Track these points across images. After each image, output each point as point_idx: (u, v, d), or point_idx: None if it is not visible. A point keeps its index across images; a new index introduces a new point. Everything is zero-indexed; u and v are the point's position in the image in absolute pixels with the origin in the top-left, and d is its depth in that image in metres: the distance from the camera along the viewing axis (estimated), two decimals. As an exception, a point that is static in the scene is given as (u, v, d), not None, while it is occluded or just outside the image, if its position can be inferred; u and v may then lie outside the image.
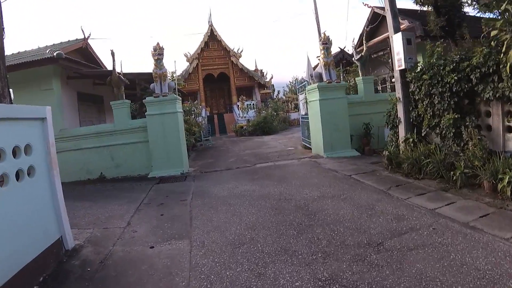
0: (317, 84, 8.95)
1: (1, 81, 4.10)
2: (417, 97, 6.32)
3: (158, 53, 8.53)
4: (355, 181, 6.13)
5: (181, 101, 9.73)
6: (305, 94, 10.16)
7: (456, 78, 5.25)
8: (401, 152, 6.48)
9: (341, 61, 14.22)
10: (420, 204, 4.50)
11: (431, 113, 5.96)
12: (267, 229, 4.07)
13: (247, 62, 38.28)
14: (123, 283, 3.04)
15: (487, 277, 2.63)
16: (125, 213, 5.21)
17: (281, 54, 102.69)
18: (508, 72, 4.35)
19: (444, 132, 5.62)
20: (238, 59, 28.17)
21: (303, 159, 9.07)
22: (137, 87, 11.52)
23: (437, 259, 2.97)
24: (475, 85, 5.07)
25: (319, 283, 2.76)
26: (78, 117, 10.49)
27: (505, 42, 4.35)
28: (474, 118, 5.24)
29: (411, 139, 6.33)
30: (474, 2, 7.42)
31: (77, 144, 8.63)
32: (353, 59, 10.26)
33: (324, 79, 8.98)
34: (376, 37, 13.39)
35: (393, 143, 7.02)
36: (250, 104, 25.91)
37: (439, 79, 5.60)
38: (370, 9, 13.63)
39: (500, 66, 4.53)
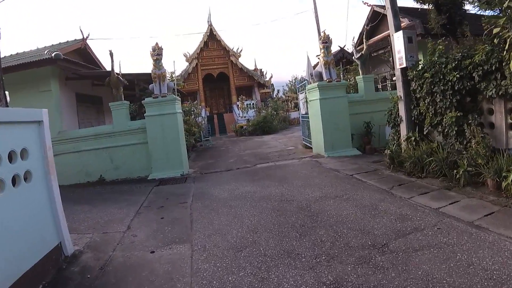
0: (317, 83, 8.89)
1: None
2: (418, 96, 6.27)
3: (157, 53, 8.46)
4: (357, 180, 6.07)
5: (180, 102, 9.66)
6: (305, 93, 10.10)
7: (458, 76, 5.19)
8: (403, 151, 6.43)
9: (341, 60, 14.16)
10: (424, 203, 4.45)
11: (433, 111, 5.90)
12: (269, 232, 4.01)
13: (247, 61, 38.30)
14: (123, 290, 2.98)
15: (494, 277, 2.58)
16: (125, 217, 5.15)
17: (280, 53, 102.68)
18: (511, 69, 4.29)
19: (446, 130, 5.57)
20: (238, 59, 28.10)
21: (304, 158, 9.02)
22: (136, 87, 11.46)
23: (443, 260, 2.91)
24: (477, 83, 5.01)
25: (324, 287, 2.70)
26: (77, 119, 10.42)
27: (508, 40, 4.29)
28: (476, 116, 5.18)
29: (413, 138, 6.27)
30: (475, 0, 7.38)
31: (76, 146, 8.57)
32: (353, 57, 10.20)
33: (324, 78, 8.92)
34: (376, 36, 13.34)
35: (395, 141, 6.97)
36: (250, 104, 25.86)
37: (441, 77, 5.54)
38: (370, 7, 13.57)
39: (503, 64, 4.48)
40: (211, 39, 27.73)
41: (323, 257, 3.20)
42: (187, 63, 27.62)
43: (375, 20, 12.91)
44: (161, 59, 8.56)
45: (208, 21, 27.69)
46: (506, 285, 2.47)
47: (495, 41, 4.59)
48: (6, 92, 3.59)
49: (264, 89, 29.94)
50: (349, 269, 2.94)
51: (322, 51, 9.08)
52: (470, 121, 5.18)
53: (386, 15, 7.58)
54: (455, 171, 5.01)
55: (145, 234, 4.36)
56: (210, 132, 21.26)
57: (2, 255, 2.65)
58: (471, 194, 4.58)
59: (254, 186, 6.44)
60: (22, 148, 3.18)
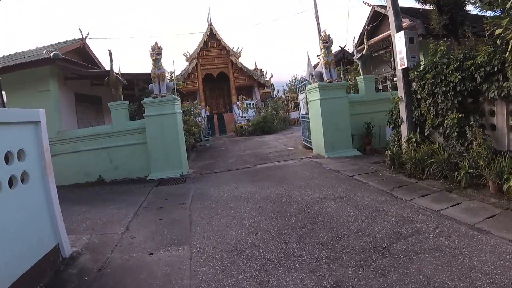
0: (317, 83, 8.86)
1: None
2: (419, 96, 6.23)
3: (156, 53, 8.42)
4: (357, 182, 6.04)
5: (180, 102, 9.62)
6: (306, 93, 10.07)
7: (460, 77, 5.15)
8: (403, 152, 6.39)
9: (342, 60, 14.14)
10: (425, 205, 4.41)
11: (434, 113, 5.87)
12: (269, 233, 3.97)
13: (247, 61, 38.20)
14: (121, 293, 2.94)
15: (496, 281, 2.55)
16: (124, 218, 5.11)
17: (280, 53, 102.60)
18: (513, 70, 4.26)
19: (447, 131, 5.53)
20: (238, 59, 28.07)
21: (304, 159, 8.98)
22: (135, 87, 11.42)
23: (445, 263, 2.88)
24: (479, 84, 4.97)
25: (324, 291, 2.67)
26: (76, 119, 10.37)
27: (511, 41, 4.26)
28: (478, 118, 5.15)
29: (414, 139, 6.24)
30: (477, 0, 7.33)
31: (74, 146, 8.53)
32: (353, 58, 10.16)
33: (325, 78, 8.89)
34: (377, 36, 13.32)
35: (396, 142, 6.94)
36: (250, 104, 25.83)
37: (443, 78, 5.50)
38: (370, 7, 13.54)
39: (506, 65, 4.44)
40: (211, 38, 27.69)
41: (324, 260, 3.17)
42: (187, 63, 27.58)
43: (376, 20, 12.88)
44: (161, 58, 8.52)
45: (208, 21, 27.65)
46: (508, 289, 2.44)
47: (498, 42, 4.56)
48: (3, 92, 3.54)
49: (264, 89, 29.91)
50: (350, 272, 2.90)
51: (323, 51, 9.05)
52: (471, 123, 5.14)
53: (386, 15, 7.55)
54: (456, 173, 4.98)
55: (143, 235, 4.32)
56: (210, 132, 21.22)
57: (-1, 258, 2.61)
58: (472, 196, 4.55)
59: (254, 187, 6.40)
60: (19, 149, 3.14)
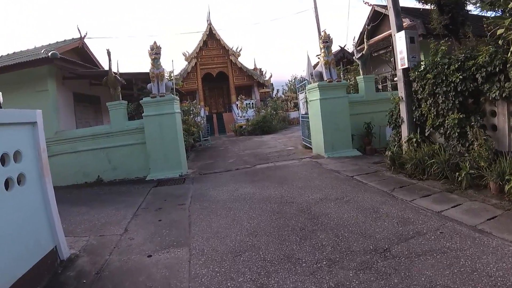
0: (317, 83, 8.82)
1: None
2: (420, 97, 6.20)
3: (155, 52, 8.37)
4: (357, 182, 6.00)
5: (179, 101, 9.58)
6: (305, 93, 10.03)
7: (461, 77, 5.12)
8: (404, 152, 6.36)
9: (342, 59, 14.11)
10: (426, 206, 4.38)
11: (435, 113, 5.84)
12: (268, 235, 3.94)
13: (246, 61, 38.14)
14: (119, 296, 2.91)
15: (499, 284, 2.52)
16: (122, 219, 5.07)
17: (280, 53, 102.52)
18: (515, 71, 4.23)
19: (448, 132, 5.50)
20: (237, 58, 28.00)
21: (303, 159, 8.95)
22: (134, 87, 11.36)
23: (447, 266, 2.85)
24: (480, 84, 4.95)
25: (325, 294, 2.63)
26: (74, 119, 10.33)
27: (513, 41, 4.24)
28: (479, 118, 5.12)
29: (414, 139, 6.21)
30: (478, 0, 7.30)
31: (73, 146, 8.48)
32: (353, 57, 10.12)
33: (325, 78, 8.85)
34: (377, 35, 13.29)
35: (396, 143, 6.91)
36: (249, 103, 25.79)
37: (444, 78, 5.48)
38: (370, 7, 13.51)
39: (507, 66, 4.41)
40: (211, 38, 27.61)
41: (324, 262, 3.14)
42: (186, 62, 27.51)
43: (376, 20, 12.86)
44: (160, 58, 8.48)
45: (207, 20, 27.58)
46: (511, 292, 2.41)
47: (500, 42, 4.53)
48: (0, 93, 3.49)
49: (263, 88, 29.86)
50: (351, 274, 2.87)
51: (323, 50, 9.01)
52: (472, 123, 5.11)
53: (387, 15, 7.53)
54: (457, 173, 4.95)
55: (142, 237, 4.28)
56: (209, 131, 21.18)
57: (-6, 261, 2.57)
58: (473, 197, 4.52)
59: (253, 187, 6.37)
60: (16, 150, 3.10)
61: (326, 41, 8.97)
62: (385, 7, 8.99)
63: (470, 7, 8.35)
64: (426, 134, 6.15)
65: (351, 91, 10.51)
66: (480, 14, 9.28)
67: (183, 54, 27.32)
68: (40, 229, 3.38)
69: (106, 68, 8.85)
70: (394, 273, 2.81)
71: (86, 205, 6.09)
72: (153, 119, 8.32)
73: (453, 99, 5.36)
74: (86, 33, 11.63)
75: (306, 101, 10.03)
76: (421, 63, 6.33)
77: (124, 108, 8.72)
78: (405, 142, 6.48)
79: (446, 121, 5.50)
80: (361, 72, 9.58)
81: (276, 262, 3.24)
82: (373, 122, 8.97)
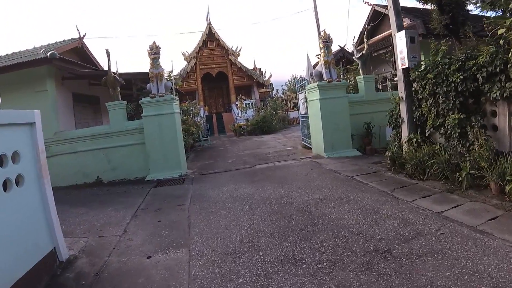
0: (317, 83, 8.81)
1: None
2: (420, 97, 6.18)
3: (154, 52, 8.35)
4: (357, 182, 5.99)
5: (178, 101, 9.55)
6: (305, 93, 10.01)
7: (461, 77, 5.10)
8: (404, 152, 6.34)
9: (341, 59, 14.09)
10: (426, 206, 4.37)
11: (435, 113, 5.82)
12: (268, 236, 3.92)
13: (246, 61, 38.17)
14: (118, 298, 2.89)
15: (500, 285, 2.51)
16: (122, 220, 5.05)
17: (280, 52, 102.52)
18: (516, 71, 4.22)
19: (449, 132, 5.49)
20: (237, 58, 27.96)
21: (303, 159, 8.93)
22: (134, 87, 11.34)
23: (448, 267, 2.83)
24: (481, 84, 4.93)
25: (326, 296, 2.61)
26: (74, 119, 10.30)
27: (514, 41, 4.22)
28: (480, 118, 5.10)
29: (414, 139, 6.19)
30: (478, 0, 7.28)
31: (72, 147, 8.46)
32: (353, 57, 10.10)
33: (325, 78, 8.83)
34: (377, 35, 13.28)
35: (396, 143, 6.89)
36: (249, 103, 25.76)
37: (444, 78, 5.46)
38: (370, 7, 13.50)
39: (508, 66, 4.39)
40: (210, 38, 27.57)
41: (325, 263, 3.12)
42: (186, 62, 27.47)
43: (376, 20, 12.84)
44: (159, 58, 8.45)
45: (207, 20, 27.53)
46: (512, 294, 2.40)
47: (500, 42, 4.51)
48: (-2, 93, 3.47)
49: (263, 88, 29.84)
50: (352, 276, 2.85)
51: (322, 50, 8.99)
52: (473, 123, 5.09)
53: (387, 14, 7.50)
54: (457, 173, 4.94)
55: (141, 238, 4.26)
56: (209, 131, 21.16)
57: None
58: (474, 197, 4.50)
59: (253, 187, 6.35)
60: (14, 151, 3.08)
61: (326, 40, 8.95)
62: (385, 6, 8.97)
63: (470, 7, 8.33)
64: (427, 134, 6.14)
65: (351, 91, 10.50)
66: (480, 14, 9.27)
67: (183, 54, 27.28)
68: (39, 230, 3.36)
69: (106, 68, 8.82)
70: (395, 275, 2.80)
71: (85, 206, 6.06)
72: (153, 119, 8.29)
73: (454, 99, 5.35)
74: (85, 33, 11.65)
75: (306, 101, 10.02)
76: (421, 63, 6.31)
77: (123, 108, 8.70)
78: (405, 142, 6.47)
79: (447, 121, 5.49)
80: (361, 72, 9.56)
81: (276, 263, 3.22)
82: (373, 122, 8.95)
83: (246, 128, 20.58)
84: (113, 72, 8.71)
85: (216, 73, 27.91)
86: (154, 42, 8.37)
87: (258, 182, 6.76)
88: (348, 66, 13.31)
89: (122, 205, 5.92)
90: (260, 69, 29.81)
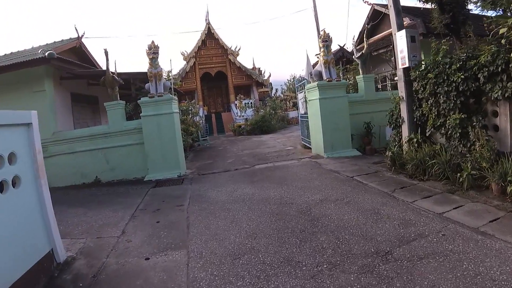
0: (317, 82, 8.77)
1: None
2: (421, 96, 6.15)
3: (153, 51, 8.30)
4: (357, 183, 5.95)
5: (177, 101, 9.51)
6: (305, 92, 9.98)
7: (463, 77, 5.07)
8: (404, 152, 6.31)
9: (341, 59, 14.07)
10: (427, 207, 4.33)
11: (436, 113, 5.79)
12: (268, 237, 3.88)
13: (245, 60, 38.12)
14: (116, 301, 2.85)
15: (503, 288, 2.47)
16: (120, 220, 5.01)
17: (279, 52, 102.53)
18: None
19: (450, 132, 5.45)
20: (236, 58, 27.89)
21: (303, 159, 8.89)
22: (132, 87, 11.29)
23: (450, 269, 2.80)
24: (482, 84, 4.89)
25: (326, 299, 2.58)
26: (72, 119, 10.24)
27: (516, 41, 4.19)
28: (481, 118, 5.07)
29: (415, 139, 6.16)
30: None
31: (71, 147, 8.40)
32: (353, 57, 10.07)
33: (324, 78, 8.80)
34: (377, 35, 13.24)
35: (396, 143, 6.85)
36: (248, 103, 25.70)
37: (445, 77, 5.43)
38: (370, 6, 13.47)
39: (510, 65, 4.36)
40: (209, 37, 27.49)
41: (325, 266, 3.08)
42: (185, 62, 27.40)
43: (376, 19, 12.81)
44: (157, 57, 8.40)
45: (206, 20, 27.45)
46: (515, 297, 2.37)
47: (502, 41, 4.48)
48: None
49: (262, 88, 29.79)
50: (352, 278, 2.82)
51: (322, 50, 8.96)
52: (474, 123, 5.06)
53: (386, 14, 7.47)
54: (458, 174, 4.91)
55: (140, 239, 4.22)
56: (208, 131, 21.11)
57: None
58: (475, 198, 4.47)
59: (252, 188, 6.31)
60: (10, 152, 3.04)
61: (326, 40, 8.91)
62: (385, 6, 8.95)
63: (470, 6, 8.28)
64: (427, 134, 6.10)
65: (351, 90, 10.46)
66: (480, 13, 9.24)
67: (182, 54, 27.21)
68: (36, 231, 3.33)
69: (104, 68, 8.77)
70: (396, 277, 2.76)
71: (83, 206, 6.02)
72: (151, 119, 8.25)
73: (455, 99, 5.31)
74: (84, 33, 11.59)
75: (306, 101, 9.98)
76: (422, 62, 6.27)
77: (122, 108, 8.65)
78: (405, 142, 6.43)
79: (448, 121, 5.45)
80: (360, 72, 9.53)
81: (275, 265, 3.19)
82: (373, 122, 8.92)
83: (245, 127, 20.54)
84: (112, 72, 8.66)
85: (215, 73, 27.84)
86: (152, 42, 8.32)
87: (257, 183, 6.72)
88: (348, 66, 13.27)
89: (121, 205, 5.88)
90: (259, 68, 29.76)
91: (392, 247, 3.33)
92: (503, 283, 2.54)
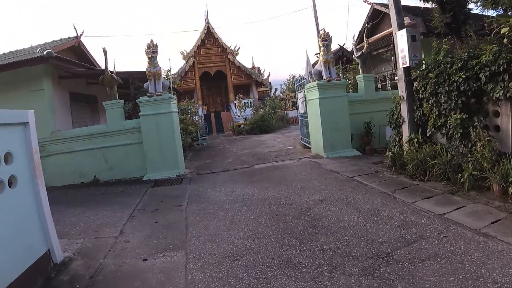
0: (316, 82, 8.73)
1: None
2: (421, 96, 6.11)
3: (151, 50, 8.25)
4: (358, 183, 5.91)
5: (176, 100, 9.45)
6: (304, 92, 9.94)
7: (464, 76, 5.03)
8: (405, 152, 6.27)
9: (341, 58, 14.04)
10: (428, 208, 4.29)
11: (436, 113, 5.74)
12: (267, 238, 3.84)
13: (244, 59, 38.03)
14: (113, 303, 2.81)
15: (505, 291, 2.43)
16: (118, 221, 4.96)
17: (279, 51, 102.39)
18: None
19: (451, 132, 5.41)
20: (235, 57, 27.85)
21: (302, 159, 8.85)
22: (131, 86, 11.23)
23: (452, 272, 2.76)
24: (484, 84, 4.86)
25: (327, 302, 2.54)
26: (71, 118, 10.18)
27: (518, 40, 4.15)
28: (482, 118, 5.03)
29: (415, 139, 6.11)
30: (480, -2, 7.22)
31: (69, 146, 8.35)
32: (353, 56, 10.03)
33: (324, 77, 8.76)
34: (376, 34, 13.21)
35: (396, 143, 6.81)
36: (248, 102, 25.66)
37: (446, 77, 5.39)
38: (370, 5, 13.44)
39: (512, 65, 4.33)
40: (208, 36, 27.44)
41: (325, 268, 3.04)
42: (184, 61, 27.35)
43: (376, 19, 12.78)
44: (156, 56, 8.36)
45: (205, 19, 27.39)
46: (518, 300, 2.33)
47: (504, 41, 4.44)
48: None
49: (261, 87, 29.73)
50: (353, 281, 2.78)
51: (322, 49, 8.91)
52: (475, 124, 5.01)
53: (386, 13, 7.44)
54: (459, 174, 4.87)
55: (138, 239, 4.18)
56: (207, 131, 21.08)
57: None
58: (476, 199, 4.44)
59: (252, 188, 6.27)
60: (6, 152, 2.99)
61: (326, 39, 8.87)
62: (385, 5, 8.92)
63: (470, 5, 8.25)
64: (428, 135, 6.06)
65: (350, 90, 10.43)
66: (480, 13, 9.21)
67: (181, 53, 27.16)
68: (33, 232, 3.28)
69: (103, 67, 8.72)
70: (397, 280, 2.72)
71: (81, 206, 5.97)
72: (150, 118, 8.20)
73: (456, 98, 5.27)
74: (83, 32, 11.51)
75: (305, 100, 9.94)
76: (423, 62, 6.23)
77: (120, 108, 8.60)
78: (406, 142, 6.39)
79: (449, 121, 5.41)
80: (360, 71, 9.49)
81: (275, 267, 3.14)
82: (373, 121, 8.88)
83: (245, 127, 20.51)
84: (110, 71, 8.61)
85: (215, 72, 27.79)
86: (151, 41, 8.28)
87: (256, 183, 6.68)
88: (348, 65, 13.24)
89: (119, 205, 5.83)
90: (258, 68, 29.70)
91: (393, 248, 3.29)
92: (506, 285, 2.50)
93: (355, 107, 9.08)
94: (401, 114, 6.67)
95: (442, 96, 5.52)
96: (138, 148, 8.35)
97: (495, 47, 4.63)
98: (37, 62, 7.86)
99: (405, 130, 6.53)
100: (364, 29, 11.03)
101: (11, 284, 2.74)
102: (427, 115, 6.04)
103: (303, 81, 10.56)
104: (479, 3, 7.72)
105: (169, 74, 12.47)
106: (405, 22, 9.78)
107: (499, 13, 6.66)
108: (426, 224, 3.82)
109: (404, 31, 6.23)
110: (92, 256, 3.77)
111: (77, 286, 3.12)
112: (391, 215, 4.20)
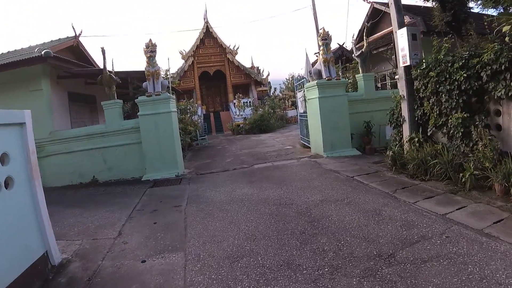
0: (316, 81, 8.68)
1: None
2: (422, 95, 6.06)
3: (150, 50, 8.20)
4: (358, 183, 5.87)
5: (175, 100, 9.41)
6: (304, 91, 9.90)
7: (465, 75, 4.99)
8: (405, 152, 6.23)
9: (341, 57, 14.00)
10: (430, 208, 4.25)
11: (437, 112, 5.70)
12: (267, 239, 3.80)
13: (244, 59, 37.99)
14: (111, 306, 2.77)
15: (509, 292, 2.40)
16: (117, 221, 4.92)
17: (278, 51, 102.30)
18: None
19: (452, 131, 5.37)
20: (234, 56, 27.81)
21: (302, 159, 8.81)
22: (130, 86, 11.18)
23: (454, 273, 2.72)
24: (485, 82, 4.81)
25: (328, 304, 2.50)
26: (69, 118, 10.12)
27: (519, 38, 4.11)
28: (483, 117, 4.99)
29: (416, 139, 6.07)
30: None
31: (68, 146, 8.30)
32: (353, 55, 9.98)
33: (324, 76, 8.72)
34: (376, 33, 13.17)
35: (397, 142, 6.77)
36: (247, 102, 25.59)
37: (447, 76, 5.34)
38: (369, 4, 13.40)
39: (513, 63, 4.28)
40: (207, 36, 27.39)
41: (326, 269, 3.00)
42: (183, 61, 27.29)
43: (375, 17, 12.74)
44: (155, 56, 8.31)
45: (204, 18, 27.35)
46: (522, 302, 2.29)
47: (506, 39, 4.40)
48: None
49: (261, 87, 29.70)
50: (355, 282, 2.74)
51: (322, 48, 8.87)
52: (477, 123, 4.97)
53: (386, 12, 7.40)
54: (460, 174, 4.83)
55: (136, 241, 4.13)
56: (207, 130, 21.02)
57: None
58: (478, 199, 4.40)
59: (251, 188, 6.23)
60: (3, 153, 2.95)
61: (325, 38, 8.82)
62: (384, 4, 8.89)
63: (471, 4, 8.22)
64: (429, 134, 6.02)
65: (350, 89, 10.39)
66: (480, 12, 9.19)
67: (180, 53, 27.10)
68: (30, 233, 3.24)
69: (102, 66, 8.67)
70: (399, 281, 2.69)
71: (80, 207, 5.92)
72: (149, 118, 8.15)
73: (457, 97, 5.22)
74: (81, 32, 11.46)
75: (305, 100, 9.90)
76: (423, 60, 6.18)
77: (119, 107, 8.55)
78: (406, 141, 6.35)
79: (450, 121, 5.37)
80: (360, 70, 9.45)
81: (275, 268, 3.10)
82: (373, 121, 8.84)
83: (244, 127, 20.47)
84: (109, 71, 8.56)
85: (214, 72, 27.75)
86: (150, 40, 8.23)
87: (256, 183, 6.64)
88: (347, 64, 13.19)
89: (118, 206, 5.79)
90: (258, 67, 29.68)
91: (395, 249, 3.25)
92: (509, 286, 2.46)
93: (355, 106, 9.04)
94: (401, 113, 6.63)
95: (443, 95, 5.47)
96: (137, 148, 8.31)
97: (496, 46, 4.58)
98: (35, 62, 7.81)
99: (406, 129, 6.48)
100: (364, 28, 10.99)
101: (9, 286, 2.71)
102: (428, 114, 6.00)
103: (302, 80, 10.52)
104: (479, 2, 7.69)
105: (168, 73, 12.42)
106: (405, 21, 9.76)
107: (500, 12, 6.62)
108: (428, 224, 3.78)
109: (404, 29, 6.19)
110: (90, 257, 3.73)
111: (75, 288, 3.08)
112: (392, 215, 4.16)
